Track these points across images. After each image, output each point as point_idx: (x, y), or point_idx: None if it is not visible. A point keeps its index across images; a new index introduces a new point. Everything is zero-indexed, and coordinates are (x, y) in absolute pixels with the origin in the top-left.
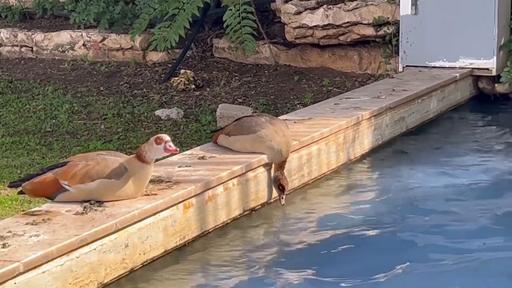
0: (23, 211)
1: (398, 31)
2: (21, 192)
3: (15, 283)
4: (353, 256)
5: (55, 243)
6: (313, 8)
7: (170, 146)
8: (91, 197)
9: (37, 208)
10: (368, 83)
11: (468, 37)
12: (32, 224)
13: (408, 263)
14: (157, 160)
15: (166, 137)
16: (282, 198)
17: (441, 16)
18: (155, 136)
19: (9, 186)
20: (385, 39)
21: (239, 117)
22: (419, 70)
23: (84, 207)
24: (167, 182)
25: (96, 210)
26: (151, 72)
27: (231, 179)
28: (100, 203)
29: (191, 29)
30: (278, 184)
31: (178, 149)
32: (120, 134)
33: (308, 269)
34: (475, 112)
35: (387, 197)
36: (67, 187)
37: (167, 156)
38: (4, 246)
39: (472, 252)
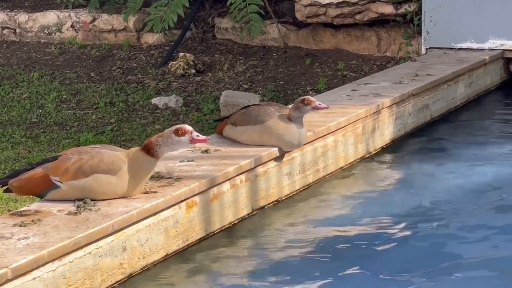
0: (9, 210)
1: (420, 9)
2: (7, 190)
3: None
4: (373, 255)
5: (46, 247)
6: None
7: (197, 136)
8: (84, 195)
9: (25, 208)
10: (388, 67)
11: (499, 15)
12: (20, 226)
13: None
14: None
15: (189, 127)
16: (320, 104)
17: None
18: (174, 127)
19: None
20: (406, 18)
21: (246, 106)
22: (444, 53)
23: (78, 206)
24: (168, 178)
25: (90, 210)
26: (147, 56)
27: (238, 175)
28: (95, 201)
29: (190, 8)
30: (301, 101)
31: (208, 138)
32: (114, 125)
33: (324, 271)
34: (506, 98)
35: (411, 193)
36: (58, 183)
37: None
38: None
39: (500, 250)
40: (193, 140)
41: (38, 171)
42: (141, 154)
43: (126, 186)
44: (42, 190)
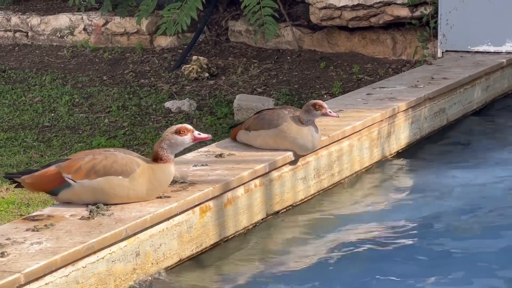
0: (21, 215)
1: (436, 12)
2: (18, 185)
3: None
4: (389, 260)
5: (59, 252)
6: None
7: (199, 134)
8: (96, 196)
9: (38, 212)
10: (404, 71)
11: None
12: (33, 230)
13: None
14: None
15: (189, 126)
16: (330, 112)
17: None
18: (174, 128)
19: (5, 177)
20: (422, 21)
21: (259, 110)
22: (461, 56)
23: (91, 211)
24: (182, 183)
25: (103, 215)
26: (160, 59)
27: (253, 179)
28: (108, 206)
29: (204, 11)
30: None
31: (210, 135)
32: (126, 129)
33: (340, 277)
34: None
35: (427, 199)
36: (70, 181)
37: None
38: (2, 255)
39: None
40: (195, 139)
41: (51, 168)
42: (158, 165)
43: (139, 190)
44: (54, 187)
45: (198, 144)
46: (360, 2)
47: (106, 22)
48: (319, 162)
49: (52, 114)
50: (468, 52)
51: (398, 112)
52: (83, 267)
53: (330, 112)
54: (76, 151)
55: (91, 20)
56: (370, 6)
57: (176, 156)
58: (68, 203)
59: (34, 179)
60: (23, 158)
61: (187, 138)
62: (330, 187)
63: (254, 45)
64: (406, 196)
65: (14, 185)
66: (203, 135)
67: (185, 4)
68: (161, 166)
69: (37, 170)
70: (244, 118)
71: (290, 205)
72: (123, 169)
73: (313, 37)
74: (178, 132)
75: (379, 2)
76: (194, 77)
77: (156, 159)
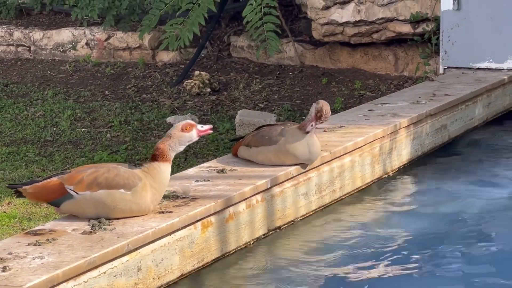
0: (23, 229)
1: (438, 29)
2: (19, 195)
3: None
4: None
5: (61, 266)
6: (343, 3)
7: (202, 127)
8: (98, 209)
9: (40, 227)
10: (405, 87)
11: None
12: (35, 245)
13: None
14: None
15: (192, 121)
16: (312, 125)
17: (487, 12)
18: (179, 125)
19: (9, 187)
20: (423, 38)
21: (259, 126)
22: (462, 72)
23: (93, 226)
24: (184, 198)
25: (105, 229)
26: (162, 74)
27: (254, 195)
28: (110, 221)
29: (206, 26)
30: (318, 109)
31: (211, 126)
32: (128, 144)
33: None
34: None
35: (428, 215)
36: (72, 193)
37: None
38: (4, 269)
39: None
40: (199, 133)
41: (54, 179)
42: (156, 164)
43: (141, 203)
44: (56, 198)
45: (200, 159)
46: (363, 18)
47: (109, 37)
48: (321, 178)
49: (54, 128)
50: (469, 68)
51: (399, 129)
52: (85, 282)
53: (313, 126)
54: (78, 165)
55: (94, 35)
56: (372, 22)
57: (178, 170)
58: (70, 217)
59: (36, 189)
60: (25, 172)
61: (193, 134)
62: (331, 203)
63: (256, 60)
64: (407, 212)
65: (16, 195)
66: (206, 127)
67: (187, 20)
68: (160, 167)
69: (39, 181)
70: (245, 133)
71: (292, 221)
72: (125, 182)
73: (315, 53)
74: (184, 129)
75: (381, 19)
76: (196, 93)
77: (159, 157)
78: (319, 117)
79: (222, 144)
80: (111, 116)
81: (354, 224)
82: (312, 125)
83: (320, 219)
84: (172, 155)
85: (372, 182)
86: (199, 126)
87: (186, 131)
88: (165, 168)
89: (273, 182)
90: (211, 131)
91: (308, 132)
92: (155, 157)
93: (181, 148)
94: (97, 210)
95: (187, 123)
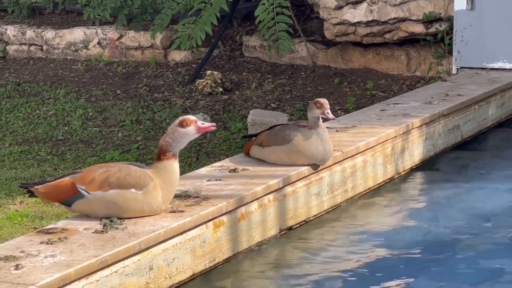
0: (35, 228)
1: (451, 29)
2: (31, 195)
3: None
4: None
5: (73, 265)
6: (356, 3)
7: (203, 124)
8: (109, 209)
9: (52, 225)
10: (418, 87)
11: None
12: (47, 243)
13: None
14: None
15: (192, 116)
16: (328, 113)
17: (501, 11)
18: (178, 120)
19: (21, 186)
20: (436, 38)
21: (271, 126)
22: (476, 73)
23: (104, 225)
24: (195, 197)
25: (117, 228)
26: (174, 74)
27: (266, 194)
28: (121, 220)
29: (218, 26)
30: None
31: (214, 123)
32: (140, 143)
33: None
34: None
35: (441, 216)
36: (84, 192)
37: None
38: (17, 267)
39: None
40: (199, 129)
41: (66, 179)
42: (159, 163)
43: (153, 203)
44: (68, 197)
45: (212, 158)
46: (375, 18)
47: (121, 36)
48: (333, 178)
49: (66, 128)
50: (483, 69)
51: (412, 129)
52: (97, 281)
53: (328, 113)
54: (89, 164)
55: (106, 34)
56: (385, 22)
57: (190, 170)
58: (81, 216)
59: (48, 188)
60: (37, 171)
61: (190, 130)
62: (343, 203)
63: (268, 60)
64: (419, 212)
65: (28, 194)
66: (207, 124)
67: (199, 19)
68: (165, 165)
69: (51, 181)
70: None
71: (304, 220)
72: (136, 181)
73: (327, 53)
74: (181, 124)
75: (394, 19)
76: (208, 92)
77: (160, 154)
78: (319, 107)
79: (234, 144)
80: (123, 115)
81: (365, 224)
82: (316, 120)
83: (332, 219)
84: (174, 151)
85: (384, 182)
86: (199, 122)
87: (184, 126)
88: (170, 165)
89: (285, 182)
90: (213, 128)
91: (316, 127)
92: (158, 155)
93: (181, 144)
94: (109, 210)
95: (186, 118)
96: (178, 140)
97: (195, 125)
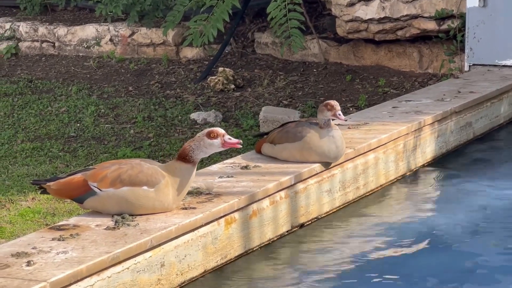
0: (47, 224)
1: (464, 26)
2: (43, 192)
3: None
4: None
5: (85, 261)
6: (368, 0)
7: (230, 139)
8: (121, 206)
9: (64, 222)
10: (430, 84)
11: None
12: (59, 240)
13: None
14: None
15: (221, 130)
16: (340, 114)
17: None
18: (206, 130)
19: (33, 183)
20: (449, 35)
21: (283, 123)
22: (488, 70)
23: (116, 221)
24: (207, 194)
25: (129, 225)
26: (186, 71)
27: (278, 191)
28: (133, 216)
29: (230, 22)
30: (324, 105)
31: (241, 141)
32: (152, 140)
33: None
34: None
35: (453, 213)
36: (96, 189)
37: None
38: (29, 263)
39: None
40: (225, 144)
41: (78, 175)
42: (177, 164)
43: (164, 200)
44: (80, 194)
45: (224, 155)
46: (387, 15)
47: (133, 33)
48: (345, 175)
49: (78, 124)
50: (495, 66)
51: (424, 126)
52: (108, 277)
53: (340, 115)
54: (101, 161)
55: (118, 31)
56: (397, 19)
57: (202, 167)
58: (93, 213)
59: (60, 185)
60: (48, 167)
61: (216, 142)
62: (355, 200)
63: (280, 57)
64: (431, 209)
65: (40, 191)
66: (234, 140)
67: (211, 16)
68: (181, 168)
69: (63, 177)
70: (269, 130)
71: (315, 217)
72: (148, 179)
73: (339, 50)
74: (208, 134)
75: (406, 15)
76: (220, 89)
77: (181, 156)
78: (330, 109)
79: (246, 140)
80: (135, 112)
81: (377, 221)
82: (326, 121)
83: (343, 216)
84: (195, 158)
85: (396, 179)
86: (226, 137)
87: (211, 138)
88: (187, 169)
89: (297, 179)
90: (239, 146)
91: (327, 126)
92: (179, 156)
93: (204, 154)
94: (120, 207)
95: (215, 130)
96: (202, 149)
97: (221, 139)
